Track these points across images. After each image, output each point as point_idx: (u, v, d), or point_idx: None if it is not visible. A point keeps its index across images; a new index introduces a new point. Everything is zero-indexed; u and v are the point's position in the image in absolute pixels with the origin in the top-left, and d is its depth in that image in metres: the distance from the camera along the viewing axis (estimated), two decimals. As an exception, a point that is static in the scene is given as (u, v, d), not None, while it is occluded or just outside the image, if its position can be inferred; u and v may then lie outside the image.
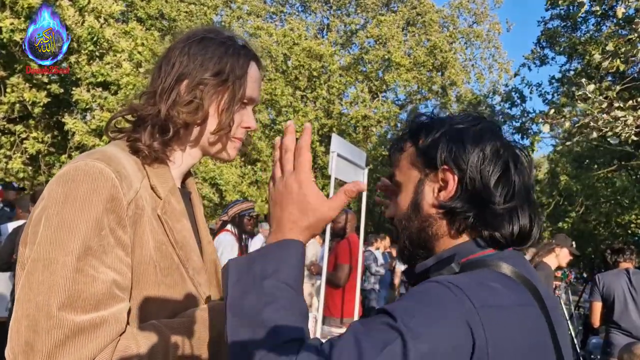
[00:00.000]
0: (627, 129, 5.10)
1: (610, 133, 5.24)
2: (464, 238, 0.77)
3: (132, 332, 0.78)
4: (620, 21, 9.63)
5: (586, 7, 5.62)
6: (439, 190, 0.77)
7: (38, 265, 0.72)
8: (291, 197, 0.72)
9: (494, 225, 0.74)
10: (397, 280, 8.07)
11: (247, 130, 0.97)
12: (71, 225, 0.73)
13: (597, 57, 5.53)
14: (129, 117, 0.92)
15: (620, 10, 5.16)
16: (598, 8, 5.73)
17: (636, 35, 5.16)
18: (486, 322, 0.61)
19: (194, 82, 0.88)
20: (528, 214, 0.76)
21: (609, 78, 9.58)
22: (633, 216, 13.10)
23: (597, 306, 3.77)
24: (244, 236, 3.82)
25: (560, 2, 5.84)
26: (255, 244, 4.01)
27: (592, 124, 5.23)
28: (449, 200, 0.76)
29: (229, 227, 3.77)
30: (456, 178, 0.75)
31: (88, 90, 7.35)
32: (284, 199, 0.73)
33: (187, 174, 1.02)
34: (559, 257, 3.97)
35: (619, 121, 5.09)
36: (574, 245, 4.12)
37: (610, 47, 5.28)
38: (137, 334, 0.78)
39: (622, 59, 5.33)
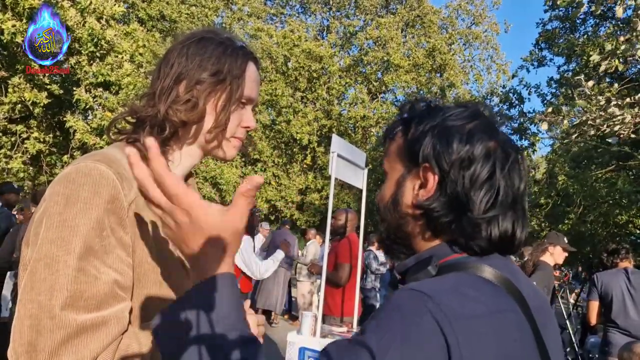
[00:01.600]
0: (624, 126, 5.10)
1: (607, 131, 5.25)
2: (440, 240, 0.73)
3: (134, 331, 0.78)
4: (619, 22, 9.66)
5: (585, 8, 5.64)
6: (419, 188, 0.73)
7: (40, 265, 0.72)
8: (188, 229, 0.59)
9: (470, 233, 0.69)
10: None
11: (246, 129, 0.98)
12: (72, 226, 0.74)
13: (596, 57, 5.54)
14: (130, 118, 0.93)
15: (620, 10, 5.16)
16: (596, 8, 5.73)
17: (635, 34, 5.18)
18: (460, 336, 0.58)
19: (192, 81, 0.89)
20: (511, 220, 0.70)
21: (607, 79, 9.61)
22: (632, 217, 13.12)
23: (594, 305, 3.79)
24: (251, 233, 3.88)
25: (559, 2, 5.84)
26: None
27: (589, 121, 5.23)
28: (427, 200, 0.71)
29: None
30: (436, 178, 0.70)
31: (89, 91, 7.37)
32: (183, 235, 0.60)
33: (188, 175, 1.02)
34: (554, 255, 3.99)
35: (617, 119, 5.09)
36: (567, 242, 4.14)
37: (608, 47, 5.29)
38: (139, 333, 0.78)
39: (620, 60, 5.34)
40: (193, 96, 0.88)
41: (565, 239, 4.08)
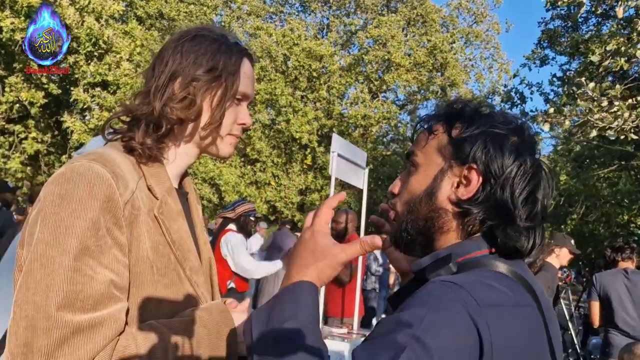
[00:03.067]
0: (624, 122, 5.09)
1: (608, 129, 5.23)
2: (475, 237, 0.76)
3: (131, 332, 0.78)
4: (621, 21, 9.61)
5: (586, 8, 5.61)
6: (457, 186, 0.75)
7: (35, 265, 0.72)
8: (303, 245, 0.77)
9: (514, 238, 0.73)
10: (392, 279, 8.04)
11: (242, 126, 0.97)
12: (68, 226, 0.73)
13: (596, 57, 5.52)
14: (125, 118, 0.93)
15: (620, 11, 5.14)
16: (598, 9, 5.71)
17: (636, 34, 5.15)
18: (490, 322, 0.62)
19: (188, 78, 0.89)
20: (541, 234, 0.76)
21: (610, 78, 9.57)
22: (633, 217, 13.09)
23: (595, 306, 3.76)
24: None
25: (559, 3, 5.85)
26: (252, 242, 4.02)
27: (591, 121, 5.22)
28: (468, 200, 0.74)
29: (232, 226, 3.77)
30: (481, 180, 0.73)
31: (87, 91, 7.35)
32: (298, 248, 0.78)
33: (184, 174, 1.02)
34: (560, 257, 3.97)
35: (619, 119, 5.08)
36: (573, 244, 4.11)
37: (612, 45, 5.26)
38: (136, 334, 0.78)
39: (625, 59, 5.30)
40: (189, 93, 0.88)
41: (572, 240, 4.06)
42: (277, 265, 3.99)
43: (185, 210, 0.95)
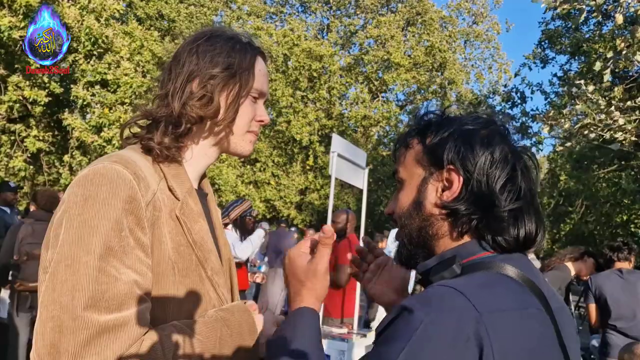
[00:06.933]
0: (624, 133, 5.10)
1: (608, 136, 5.24)
2: (465, 239, 0.76)
3: (155, 332, 0.78)
4: (622, 22, 9.60)
5: (585, 15, 5.62)
6: (443, 190, 0.76)
7: (60, 266, 0.73)
8: (288, 273, 0.87)
9: (498, 229, 0.73)
10: None
11: (260, 124, 0.99)
12: (92, 226, 0.74)
13: (598, 64, 5.51)
14: (143, 122, 0.94)
15: (619, 18, 5.15)
16: (597, 14, 5.71)
17: (635, 40, 5.15)
18: (491, 329, 0.61)
19: (205, 77, 0.90)
20: (534, 219, 0.75)
21: (609, 79, 9.53)
22: (633, 216, 13.08)
23: (593, 308, 3.74)
24: (243, 235, 3.87)
25: (559, 11, 5.89)
26: (254, 239, 3.98)
27: (590, 125, 5.22)
28: (453, 201, 0.74)
29: (229, 227, 3.78)
30: (461, 179, 0.74)
31: (87, 89, 7.35)
32: (286, 279, 0.88)
33: (203, 176, 1.03)
34: (586, 264, 3.95)
35: (617, 125, 5.08)
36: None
37: (619, 44, 5.25)
38: (160, 334, 0.78)
39: (628, 60, 5.29)
40: (207, 91, 0.89)
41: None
42: (259, 234, 3.98)
43: (204, 211, 0.96)
